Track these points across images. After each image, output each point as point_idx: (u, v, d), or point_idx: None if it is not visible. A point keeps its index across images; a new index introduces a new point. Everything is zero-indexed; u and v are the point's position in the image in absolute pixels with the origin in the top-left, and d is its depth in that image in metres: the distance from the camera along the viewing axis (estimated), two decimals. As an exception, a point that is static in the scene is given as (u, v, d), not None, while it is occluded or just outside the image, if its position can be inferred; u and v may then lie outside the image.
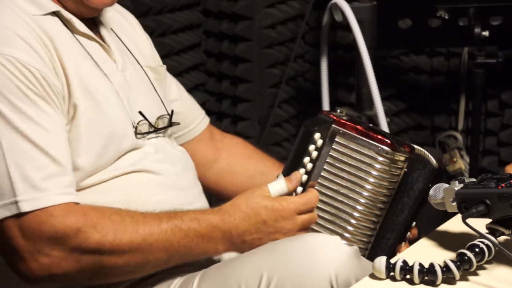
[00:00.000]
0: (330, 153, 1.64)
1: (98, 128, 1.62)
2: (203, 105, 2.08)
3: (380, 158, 1.61)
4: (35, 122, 1.51)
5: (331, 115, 1.66)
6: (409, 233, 1.73)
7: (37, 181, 1.48)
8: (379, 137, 1.62)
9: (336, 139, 1.64)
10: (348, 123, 1.64)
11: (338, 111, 1.68)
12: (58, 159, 1.52)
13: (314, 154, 1.65)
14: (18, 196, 1.47)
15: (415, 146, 1.66)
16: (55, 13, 1.65)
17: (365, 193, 1.62)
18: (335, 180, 1.64)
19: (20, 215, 1.47)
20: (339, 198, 1.63)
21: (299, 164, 1.66)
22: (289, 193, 1.64)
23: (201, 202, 1.80)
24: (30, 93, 1.51)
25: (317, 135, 1.65)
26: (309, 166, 1.65)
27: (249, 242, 1.60)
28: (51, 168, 1.51)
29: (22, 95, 1.51)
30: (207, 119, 2.04)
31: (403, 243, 1.72)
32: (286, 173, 1.66)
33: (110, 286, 1.63)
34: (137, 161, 1.69)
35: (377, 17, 2.63)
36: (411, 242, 1.72)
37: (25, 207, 1.47)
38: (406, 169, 1.63)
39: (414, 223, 1.74)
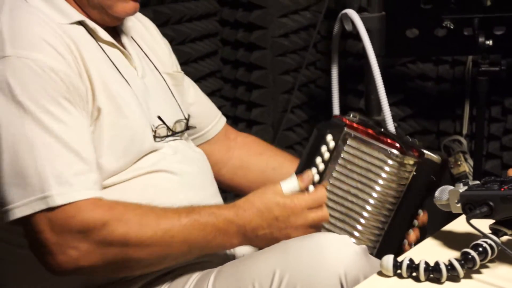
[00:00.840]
0: (341, 155, 1.63)
1: (119, 130, 1.63)
2: (219, 109, 2.08)
3: (390, 162, 1.61)
4: (62, 122, 1.51)
5: (344, 119, 1.66)
6: (416, 221, 1.71)
7: (66, 177, 1.48)
8: (389, 141, 1.62)
9: (347, 142, 1.64)
10: (359, 127, 1.64)
11: (351, 115, 1.67)
12: (84, 157, 1.52)
13: (326, 155, 1.65)
14: (48, 191, 1.47)
15: (424, 151, 1.66)
16: (80, 22, 1.66)
17: (375, 194, 1.61)
18: (346, 181, 1.63)
19: (49, 209, 1.47)
20: (349, 198, 1.63)
21: (312, 164, 1.65)
22: (301, 191, 1.63)
23: (217, 200, 1.80)
24: (56, 95, 1.52)
25: (329, 137, 1.65)
26: (321, 166, 1.65)
27: (262, 236, 1.60)
28: (79, 166, 1.51)
29: (50, 97, 1.51)
30: (223, 120, 2.04)
31: (411, 230, 1.71)
32: (299, 172, 1.65)
33: (132, 280, 1.64)
34: (157, 162, 1.69)
35: (385, 26, 2.63)
36: (421, 229, 1.71)
37: (55, 202, 1.47)
38: (415, 173, 1.63)
39: (420, 211, 1.73)
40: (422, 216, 1.74)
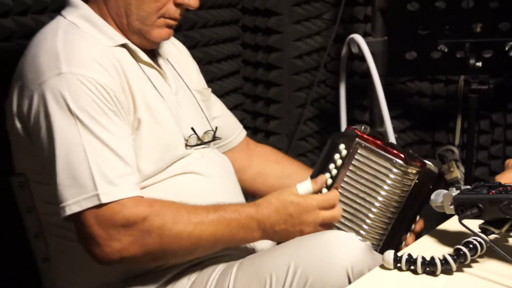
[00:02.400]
0: (352, 162, 1.63)
1: (156, 139, 1.64)
2: (240, 122, 2.08)
3: (395, 170, 1.60)
4: (109, 131, 1.52)
5: (356, 130, 1.66)
6: (413, 225, 1.71)
7: (113, 179, 1.50)
8: (395, 152, 1.61)
9: (358, 151, 1.63)
10: (369, 138, 1.64)
11: (363, 127, 1.66)
12: (128, 161, 1.53)
13: (339, 162, 1.65)
14: (98, 190, 1.48)
15: (426, 162, 1.65)
16: (123, 45, 1.67)
17: (380, 198, 1.61)
18: (355, 185, 1.63)
19: (97, 206, 1.48)
20: (358, 201, 1.63)
21: (325, 169, 1.65)
22: (315, 193, 1.63)
23: (239, 199, 1.81)
24: (104, 107, 1.53)
25: (342, 146, 1.65)
26: (334, 172, 1.65)
27: (279, 231, 1.60)
28: (123, 169, 1.52)
29: (99, 108, 1.52)
30: (244, 133, 2.05)
31: (409, 234, 1.71)
32: (314, 176, 1.65)
33: (167, 269, 1.65)
34: (187, 165, 1.70)
35: (387, 49, 2.63)
36: (417, 233, 1.71)
37: (103, 199, 1.48)
38: (417, 181, 1.62)
39: (418, 217, 1.72)
40: (419, 222, 1.74)
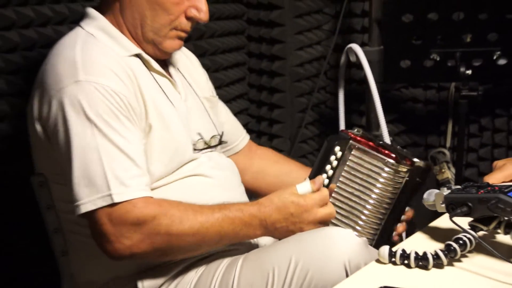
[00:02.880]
0: (347, 163, 1.63)
1: (166, 143, 1.64)
2: (246, 125, 2.09)
3: (387, 169, 1.60)
4: (122, 136, 1.52)
5: (349, 133, 1.66)
6: (403, 215, 1.71)
7: (125, 180, 1.50)
8: (387, 151, 1.61)
9: (352, 152, 1.64)
10: (362, 139, 1.64)
11: (356, 130, 1.67)
12: (139, 164, 1.53)
13: (335, 163, 1.65)
14: (111, 190, 1.48)
15: (416, 160, 1.65)
16: (137, 55, 1.67)
17: (374, 196, 1.61)
18: (350, 184, 1.63)
19: (110, 205, 1.48)
20: (353, 199, 1.63)
21: (322, 170, 1.65)
22: (313, 193, 1.62)
23: (243, 198, 1.80)
24: (118, 113, 1.53)
25: (337, 148, 1.65)
26: (330, 172, 1.65)
27: (280, 229, 1.60)
28: (134, 171, 1.52)
29: (112, 114, 1.52)
30: (247, 137, 2.05)
31: (399, 224, 1.71)
32: (312, 177, 1.65)
33: (176, 263, 1.65)
34: (195, 168, 1.70)
35: (383, 58, 2.63)
36: (408, 223, 1.71)
37: (116, 199, 1.48)
38: (407, 178, 1.62)
39: (407, 208, 1.72)
40: (409, 212, 1.74)
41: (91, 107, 1.50)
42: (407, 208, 1.71)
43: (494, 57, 2.53)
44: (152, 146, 1.61)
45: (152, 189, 1.59)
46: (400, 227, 1.70)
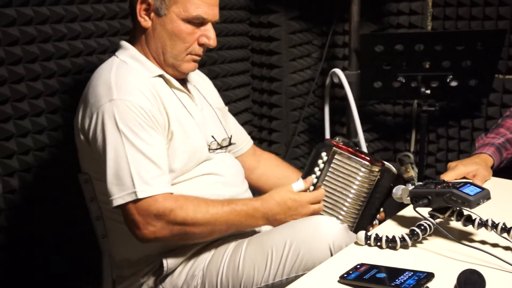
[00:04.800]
0: (331, 165, 1.62)
1: (186, 146, 1.63)
2: (249, 134, 2.07)
3: (363, 169, 1.60)
4: (146, 142, 1.52)
5: (333, 141, 1.65)
6: (378, 215, 1.70)
7: (148, 179, 1.49)
8: (363, 156, 1.61)
9: (335, 157, 1.63)
10: (343, 147, 1.63)
11: (337, 138, 1.66)
12: (160, 165, 1.52)
13: (321, 165, 1.64)
14: (136, 188, 1.48)
15: (386, 162, 1.65)
16: (160, 76, 1.67)
17: (353, 191, 1.60)
18: (334, 182, 1.62)
19: (136, 200, 1.48)
20: (336, 194, 1.62)
21: (312, 171, 1.64)
22: (305, 190, 1.62)
23: (247, 194, 1.79)
24: (144, 124, 1.52)
25: (323, 154, 1.64)
26: (318, 173, 1.64)
27: (279, 219, 1.59)
28: (156, 171, 1.51)
29: (139, 125, 1.52)
30: (251, 142, 2.03)
31: (374, 223, 1.70)
32: (304, 177, 1.65)
33: (190, 246, 1.64)
34: (209, 167, 1.68)
35: (360, 80, 2.62)
36: (380, 221, 1.69)
37: (140, 195, 1.47)
38: (379, 177, 1.61)
39: (381, 209, 1.71)
40: (382, 213, 1.72)
41: (122, 120, 1.50)
42: (380, 211, 1.70)
43: (448, 80, 2.53)
44: (174, 149, 1.60)
45: (174, 184, 1.59)
46: (375, 226, 1.68)
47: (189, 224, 1.51)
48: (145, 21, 1.63)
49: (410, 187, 1.42)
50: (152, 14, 1.62)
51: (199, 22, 1.63)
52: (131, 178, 1.48)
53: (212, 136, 1.72)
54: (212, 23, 1.66)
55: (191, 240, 1.60)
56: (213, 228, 1.54)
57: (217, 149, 1.74)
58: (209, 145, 1.70)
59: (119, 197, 1.48)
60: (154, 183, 1.49)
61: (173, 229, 1.51)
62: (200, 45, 1.67)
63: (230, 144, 1.82)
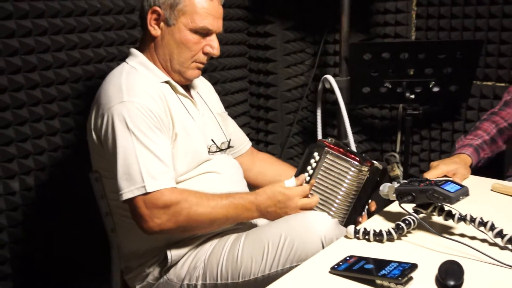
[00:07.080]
0: (323, 164, 1.61)
1: (188, 148, 1.63)
2: (247, 135, 2.07)
3: (352, 169, 1.59)
4: (153, 141, 1.52)
5: (325, 142, 1.64)
6: (367, 206, 1.68)
7: (155, 175, 1.49)
8: (353, 156, 1.60)
9: (327, 156, 1.62)
10: (334, 147, 1.62)
11: (329, 139, 1.65)
12: (166, 163, 1.52)
13: (314, 164, 1.63)
14: (145, 182, 1.47)
15: (374, 162, 1.65)
16: (166, 82, 1.66)
17: (343, 189, 1.59)
18: (326, 180, 1.61)
19: (144, 194, 1.48)
20: (328, 191, 1.61)
21: (304, 170, 1.64)
22: (297, 187, 1.61)
23: (244, 190, 1.78)
24: (151, 124, 1.52)
25: (316, 154, 1.63)
26: (311, 171, 1.63)
27: (270, 212, 1.59)
28: (163, 168, 1.51)
29: (147, 125, 1.52)
30: (249, 144, 2.03)
31: (363, 214, 1.69)
32: (297, 175, 1.64)
33: (194, 238, 1.64)
34: (209, 166, 1.68)
35: (350, 85, 2.62)
36: (370, 213, 1.68)
37: (148, 189, 1.47)
38: (368, 175, 1.61)
39: (370, 200, 1.70)
40: (372, 203, 1.72)
41: (132, 121, 1.50)
42: (370, 201, 1.70)
43: (430, 86, 2.54)
44: (178, 149, 1.60)
45: (177, 183, 1.59)
46: (363, 218, 1.68)
47: (193, 216, 1.51)
48: (155, 30, 1.63)
49: (396, 185, 1.42)
50: (162, 24, 1.63)
51: (204, 33, 1.64)
52: (140, 174, 1.47)
53: (212, 140, 1.72)
54: (216, 33, 1.67)
55: (194, 231, 1.60)
56: (213, 220, 1.54)
57: (216, 151, 1.74)
58: (209, 148, 1.70)
59: (129, 191, 1.48)
60: (161, 178, 1.49)
61: (178, 221, 1.51)
62: (205, 53, 1.67)
63: (229, 147, 1.82)
